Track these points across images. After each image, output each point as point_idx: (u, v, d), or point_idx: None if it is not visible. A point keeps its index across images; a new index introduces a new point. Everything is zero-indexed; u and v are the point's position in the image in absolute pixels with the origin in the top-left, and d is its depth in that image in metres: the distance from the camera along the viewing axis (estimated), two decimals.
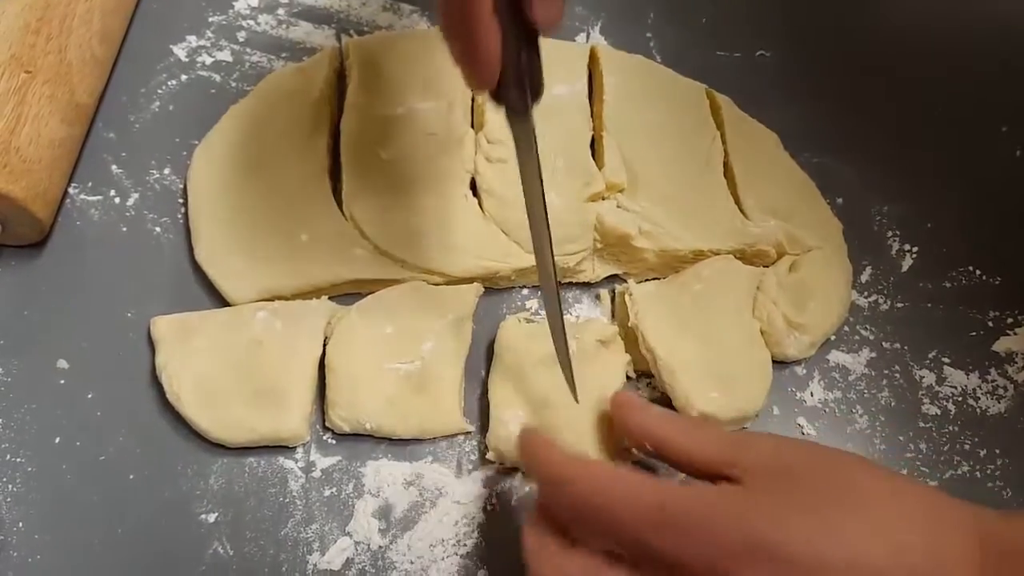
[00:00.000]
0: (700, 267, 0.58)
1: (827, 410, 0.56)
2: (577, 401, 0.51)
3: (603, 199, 0.60)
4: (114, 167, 0.62)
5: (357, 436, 0.54)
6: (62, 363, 0.55)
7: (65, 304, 0.57)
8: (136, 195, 0.61)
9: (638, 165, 0.60)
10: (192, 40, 0.67)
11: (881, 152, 0.65)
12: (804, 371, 0.58)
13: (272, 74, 0.64)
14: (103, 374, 0.55)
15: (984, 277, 0.61)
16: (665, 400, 0.55)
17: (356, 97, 0.61)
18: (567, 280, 0.60)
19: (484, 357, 0.57)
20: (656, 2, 0.71)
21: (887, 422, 0.56)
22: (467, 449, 0.54)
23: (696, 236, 0.58)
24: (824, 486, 0.39)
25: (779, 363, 0.57)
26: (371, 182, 0.59)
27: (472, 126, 0.62)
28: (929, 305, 0.60)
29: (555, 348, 0.51)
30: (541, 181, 0.47)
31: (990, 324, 0.59)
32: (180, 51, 0.66)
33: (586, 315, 0.59)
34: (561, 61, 0.64)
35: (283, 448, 0.53)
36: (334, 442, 0.54)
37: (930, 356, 0.58)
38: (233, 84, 0.66)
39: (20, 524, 0.50)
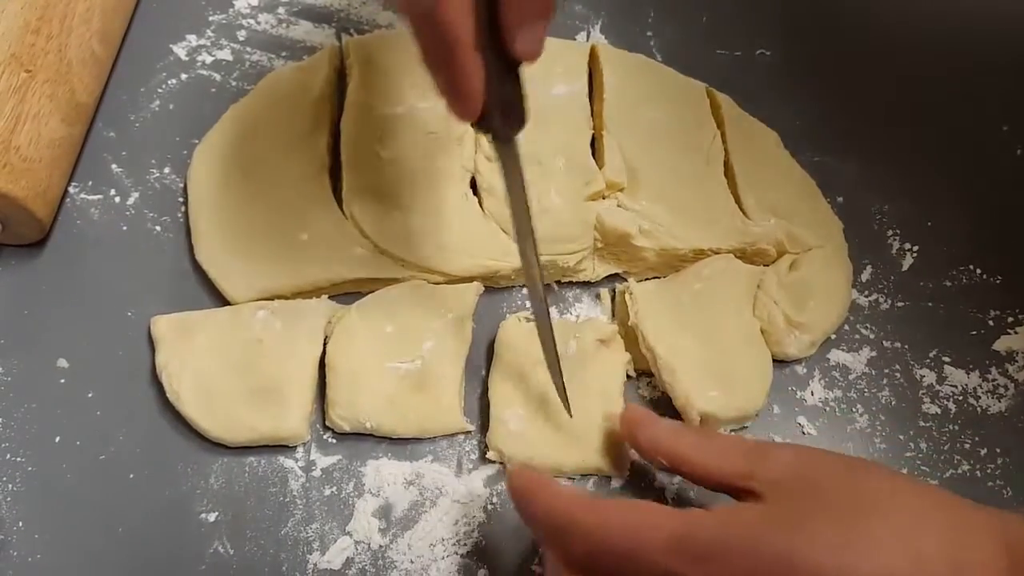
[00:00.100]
0: (700, 266, 0.58)
1: (827, 409, 0.56)
2: (571, 416, 0.52)
3: (603, 198, 0.60)
4: (114, 166, 0.62)
5: (357, 435, 0.54)
6: (62, 362, 0.55)
7: (65, 304, 0.57)
8: (136, 194, 0.61)
9: (638, 164, 0.60)
10: (192, 39, 0.67)
11: (881, 151, 0.65)
12: (804, 370, 0.58)
13: (272, 73, 0.64)
14: (103, 374, 0.55)
15: (984, 276, 0.61)
16: (665, 399, 0.55)
17: (356, 96, 0.61)
18: (567, 279, 0.60)
19: (484, 356, 0.57)
20: (656, 1, 0.71)
21: (887, 421, 0.56)
22: (467, 448, 0.54)
23: (696, 235, 0.58)
24: (846, 496, 0.38)
25: (779, 362, 0.57)
26: (371, 181, 0.59)
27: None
28: (930, 304, 0.60)
29: (549, 370, 0.51)
30: (528, 205, 0.47)
31: (990, 323, 0.59)
32: (180, 50, 0.66)
33: (586, 314, 0.59)
34: (561, 60, 0.64)
35: (283, 447, 0.53)
36: (334, 441, 0.54)
37: (930, 355, 0.58)
38: (233, 83, 0.65)
39: (20, 523, 0.50)
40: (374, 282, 0.57)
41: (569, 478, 0.53)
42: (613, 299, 0.60)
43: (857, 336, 0.59)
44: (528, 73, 0.44)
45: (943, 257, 0.62)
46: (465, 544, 0.51)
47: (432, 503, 0.52)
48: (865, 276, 0.61)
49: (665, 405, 0.55)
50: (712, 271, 0.57)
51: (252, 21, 0.68)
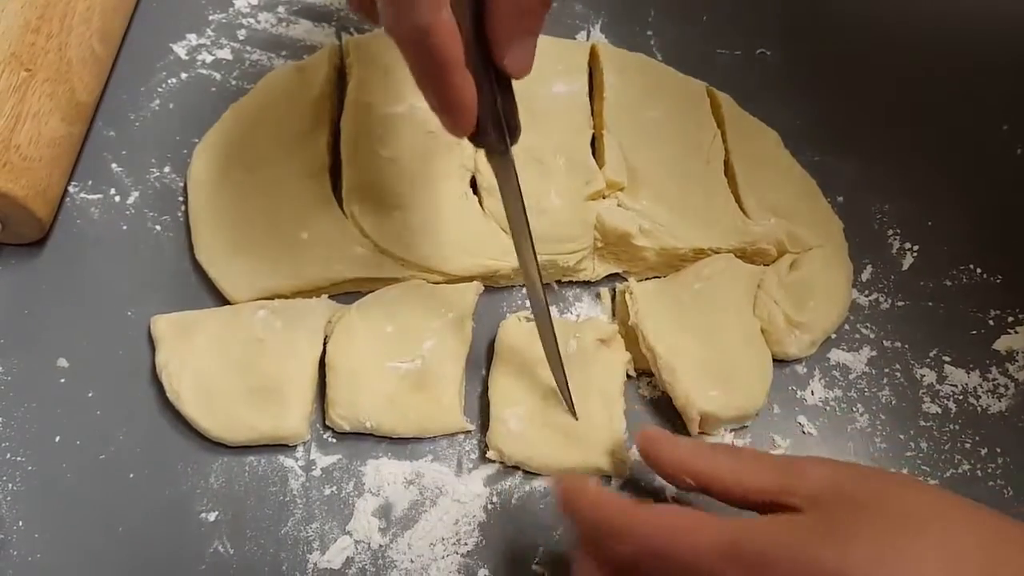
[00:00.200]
0: (701, 265, 0.58)
1: (828, 408, 0.56)
2: (576, 418, 0.52)
3: (603, 198, 0.60)
4: (114, 165, 0.62)
5: (357, 435, 0.54)
6: (62, 362, 0.55)
7: (65, 303, 0.57)
8: (136, 193, 0.61)
9: (638, 163, 0.60)
10: (192, 38, 0.67)
11: (881, 151, 0.65)
12: (805, 369, 0.58)
13: (272, 72, 0.64)
14: (103, 373, 0.55)
15: (985, 275, 0.61)
16: (665, 399, 0.55)
17: (356, 95, 0.61)
18: (567, 279, 0.60)
19: (484, 356, 0.57)
20: (656, 1, 0.71)
21: (888, 421, 0.56)
22: (467, 448, 0.54)
23: (697, 234, 0.58)
24: (887, 511, 0.38)
25: (780, 361, 0.57)
26: (371, 180, 0.59)
27: None
28: (930, 303, 0.60)
29: (552, 372, 0.51)
30: (525, 214, 0.48)
31: (991, 322, 0.59)
32: (180, 49, 0.66)
33: (586, 314, 0.59)
34: (561, 59, 0.64)
35: (283, 447, 0.53)
36: (334, 441, 0.54)
37: (931, 355, 0.58)
38: (233, 82, 0.65)
39: (20, 523, 0.50)
40: (374, 282, 0.57)
41: None
42: (613, 299, 0.59)
43: (857, 336, 0.59)
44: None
45: (943, 257, 0.62)
46: (465, 544, 0.51)
47: (432, 503, 0.52)
48: (865, 276, 0.61)
49: (665, 405, 0.55)
50: (712, 271, 0.57)
51: (252, 20, 0.68)
